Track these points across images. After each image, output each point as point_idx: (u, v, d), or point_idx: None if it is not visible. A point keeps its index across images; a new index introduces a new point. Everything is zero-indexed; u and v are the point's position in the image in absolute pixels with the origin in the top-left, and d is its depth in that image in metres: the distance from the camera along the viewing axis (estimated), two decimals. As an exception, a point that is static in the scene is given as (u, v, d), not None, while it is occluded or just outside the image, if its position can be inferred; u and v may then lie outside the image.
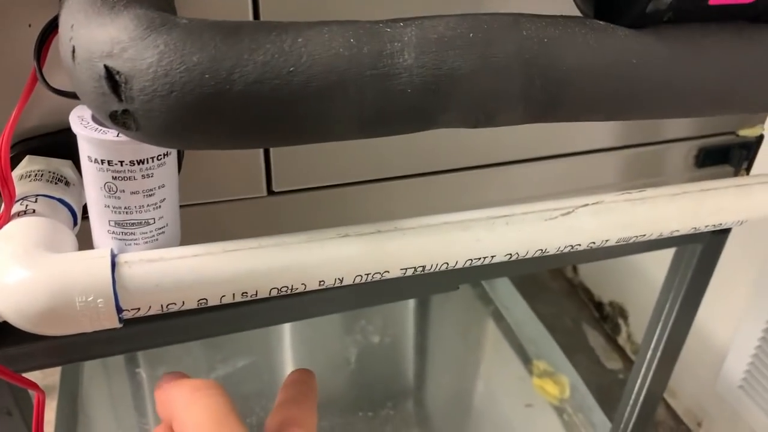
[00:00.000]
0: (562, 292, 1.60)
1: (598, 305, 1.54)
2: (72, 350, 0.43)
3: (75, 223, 0.33)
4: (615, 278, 1.47)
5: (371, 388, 1.20)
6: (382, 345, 1.25)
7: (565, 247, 0.35)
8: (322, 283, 0.31)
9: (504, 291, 1.27)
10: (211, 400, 0.27)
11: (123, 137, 0.27)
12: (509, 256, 0.34)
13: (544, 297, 1.56)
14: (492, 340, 1.24)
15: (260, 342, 1.20)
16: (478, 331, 1.26)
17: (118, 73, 0.23)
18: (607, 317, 1.51)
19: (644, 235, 0.36)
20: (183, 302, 0.29)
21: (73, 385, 1.03)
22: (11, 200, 0.30)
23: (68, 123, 0.34)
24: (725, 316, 1.13)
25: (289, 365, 1.21)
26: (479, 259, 0.33)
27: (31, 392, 0.38)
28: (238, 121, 0.24)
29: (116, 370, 1.10)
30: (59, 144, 0.34)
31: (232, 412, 0.27)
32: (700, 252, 0.61)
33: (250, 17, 0.34)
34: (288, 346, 1.23)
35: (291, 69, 0.24)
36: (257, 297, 0.30)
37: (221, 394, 0.27)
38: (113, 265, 0.27)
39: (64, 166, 0.33)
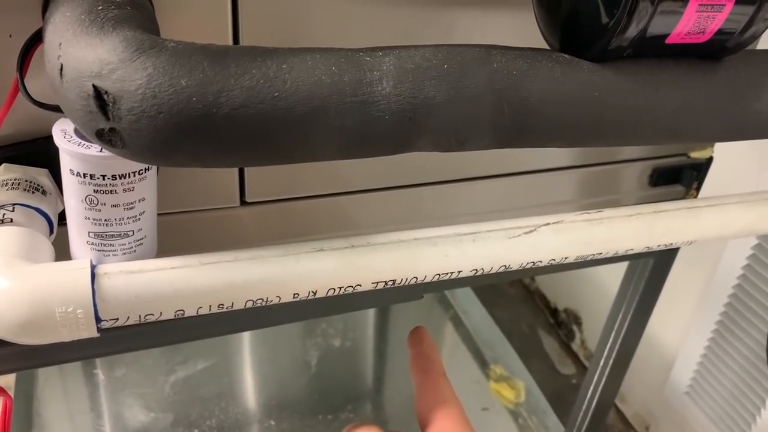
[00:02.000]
0: (519, 299, 1.64)
1: (554, 311, 1.58)
2: (41, 355, 0.43)
3: (51, 232, 0.33)
4: (570, 286, 1.51)
5: (331, 392, 1.20)
6: (343, 348, 1.26)
7: (527, 264, 0.36)
8: (296, 295, 0.32)
9: (463, 296, 1.29)
10: None
11: (106, 152, 0.28)
12: (475, 271, 0.35)
13: (502, 303, 1.60)
14: (450, 345, 1.26)
15: (220, 344, 1.20)
16: (438, 335, 1.28)
17: (106, 93, 0.24)
18: (562, 323, 1.55)
19: (601, 254, 0.38)
20: (161, 313, 0.29)
21: (29, 386, 1.01)
22: (-11, 209, 0.30)
23: (44, 131, 0.34)
24: (673, 325, 1.17)
25: (248, 368, 1.21)
26: (447, 273, 0.35)
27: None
28: (223, 142, 0.25)
29: (73, 371, 1.09)
30: (36, 153, 0.34)
31: None
32: (652, 266, 0.64)
33: (230, 40, 0.35)
34: (248, 348, 1.23)
35: (275, 94, 0.25)
36: (233, 309, 0.31)
37: None
38: (93, 276, 0.28)
39: (40, 175, 0.34)
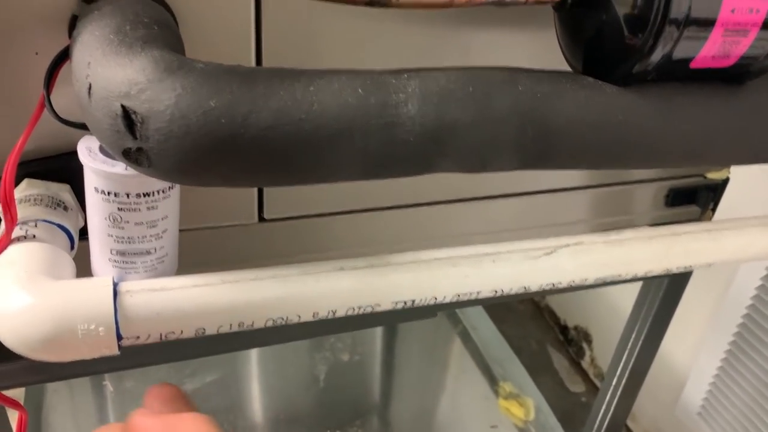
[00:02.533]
0: (528, 315, 1.63)
1: (563, 329, 1.57)
2: (55, 369, 0.43)
3: (72, 248, 0.33)
4: (580, 303, 1.50)
5: (339, 406, 1.20)
6: (351, 363, 1.25)
7: (547, 285, 0.36)
8: (315, 314, 0.32)
9: (472, 312, 1.28)
10: None
11: (131, 170, 0.28)
12: (494, 292, 0.35)
13: (512, 319, 1.59)
14: (459, 361, 1.25)
15: (228, 357, 1.19)
16: (446, 350, 1.28)
17: (134, 113, 0.24)
18: (572, 341, 1.54)
19: (620, 275, 0.38)
20: (182, 331, 0.29)
21: (38, 397, 1.01)
22: (13, 224, 0.30)
23: (67, 147, 0.35)
24: (686, 344, 1.16)
25: (257, 381, 1.20)
26: (466, 294, 0.34)
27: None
28: (250, 163, 0.25)
29: (82, 382, 1.09)
30: (58, 168, 0.35)
31: None
32: (666, 286, 0.63)
33: (252, 58, 0.35)
34: (256, 362, 1.22)
35: (302, 116, 0.25)
36: (252, 327, 0.31)
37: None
38: (115, 293, 0.28)
39: (62, 191, 0.34)
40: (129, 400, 1.09)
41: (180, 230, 0.34)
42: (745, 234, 0.41)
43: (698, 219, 0.58)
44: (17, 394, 0.97)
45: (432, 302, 0.34)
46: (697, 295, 1.08)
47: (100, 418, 1.06)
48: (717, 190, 0.56)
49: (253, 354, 1.22)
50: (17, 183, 0.34)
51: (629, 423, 1.37)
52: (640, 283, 0.67)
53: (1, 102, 0.33)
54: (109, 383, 1.10)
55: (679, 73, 0.31)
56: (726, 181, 0.57)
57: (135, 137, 0.25)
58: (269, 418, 1.14)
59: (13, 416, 0.39)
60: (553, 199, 0.51)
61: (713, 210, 0.58)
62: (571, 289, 0.42)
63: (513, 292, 0.36)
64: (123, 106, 0.24)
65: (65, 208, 0.33)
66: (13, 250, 0.30)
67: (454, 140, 0.27)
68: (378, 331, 1.29)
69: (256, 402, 1.18)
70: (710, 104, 0.32)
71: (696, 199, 0.56)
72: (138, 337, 0.29)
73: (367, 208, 0.46)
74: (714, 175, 0.55)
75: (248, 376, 1.21)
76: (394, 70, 0.28)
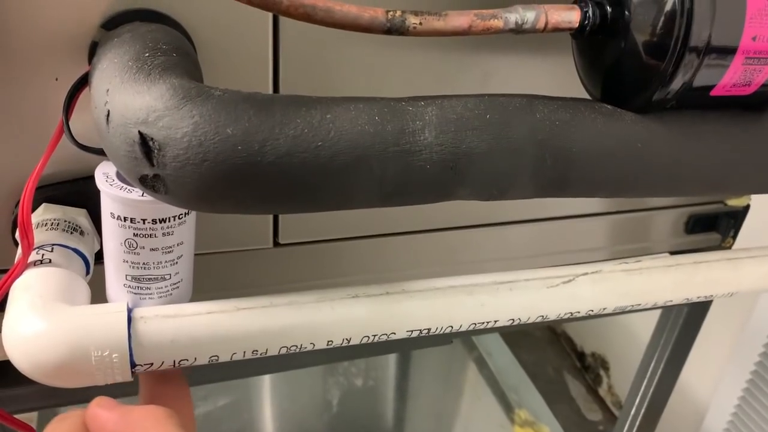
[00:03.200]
0: (545, 341, 1.61)
1: (580, 355, 1.55)
2: (67, 393, 0.42)
3: (87, 272, 0.33)
4: (597, 329, 1.48)
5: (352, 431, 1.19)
6: (365, 388, 1.24)
7: (565, 314, 0.36)
8: (330, 342, 0.31)
9: (488, 338, 1.27)
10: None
11: (147, 196, 0.28)
12: (512, 321, 0.34)
13: (528, 344, 1.57)
14: (474, 387, 1.24)
15: (241, 381, 1.19)
16: (461, 376, 1.26)
17: (152, 140, 0.24)
18: (589, 367, 1.51)
19: (639, 305, 0.37)
20: (195, 358, 0.29)
21: (50, 419, 1.01)
22: (29, 249, 0.30)
23: (83, 172, 0.35)
24: (706, 374, 1.14)
25: (269, 405, 1.19)
26: (482, 323, 0.34)
27: None
28: (267, 191, 0.25)
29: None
30: (75, 193, 0.35)
31: None
32: (686, 314, 0.62)
33: (270, 85, 0.35)
34: (269, 386, 1.22)
35: (319, 144, 0.25)
36: (267, 354, 0.31)
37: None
38: (129, 320, 0.28)
39: (79, 215, 0.34)
40: (141, 424, 1.08)
41: (195, 254, 0.34)
42: (767, 263, 0.40)
43: (719, 246, 0.57)
44: (29, 417, 0.97)
45: (448, 331, 0.34)
46: (718, 325, 1.06)
47: (113, 441, 1.06)
48: (738, 217, 0.55)
49: (266, 378, 1.21)
50: (35, 207, 0.34)
51: (648, 453, 1.34)
52: (659, 310, 0.66)
53: (22, 127, 0.33)
54: (122, 406, 1.09)
55: (698, 101, 0.30)
56: (747, 208, 0.56)
57: (152, 164, 0.25)
58: (282, 443, 1.13)
59: (26, 440, 0.39)
60: (571, 225, 0.51)
61: (734, 237, 0.57)
62: (590, 317, 0.41)
63: (531, 321, 0.35)
64: (141, 133, 0.24)
65: (81, 233, 0.33)
66: (29, 275, 0.30)
67: (471, 168, 0.27)
68: (392, 357, 1.28)
69: (269, 426, 1.17)
70: (730, 132, 0.31)
71: (716, 226, 0.55)
72: (152, 364, 0.29)
73: (382, 233, 0.45)
74: (734, 202, 0.54)
75: (261, 400, 1.20)
76: (411, 97, 0.28)
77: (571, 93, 0.31)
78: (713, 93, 0.30)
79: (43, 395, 0.42)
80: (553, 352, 1.59)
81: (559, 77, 0.39)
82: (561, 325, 1.62)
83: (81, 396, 0.45)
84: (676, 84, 0.28)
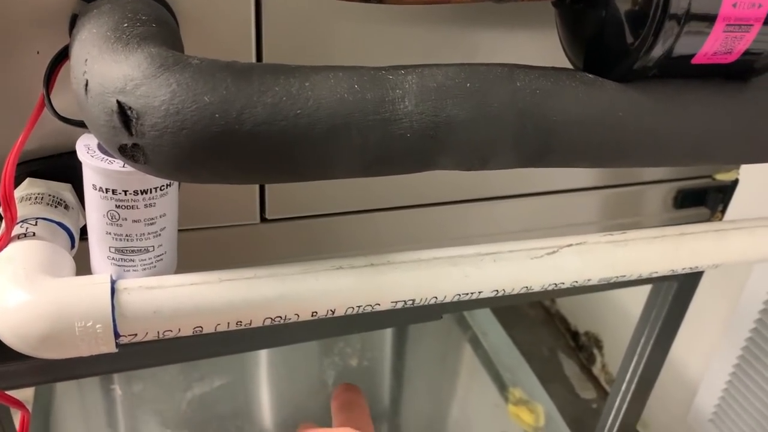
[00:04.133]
0: (539, 321, 1.62)
1: (574, 335, 1.56)
2: (58, 370, 0.43)
3: (72, 246, 0.33)
4: (591, 309, 1.49)
5: (347, 412, 1.19)
6: (360, 368, 1.25)
7: (549, 285, 0.36)
8: (314, 314, 0.32)
9: (482, 318, 1.28)
10: None
11: (128, 167, 0.28)
12: (496, 292, 0.35)
13: (522, 325, 1.58)
14: (469, 366, 1.25)
15: (237, 362, 1.19)
16: (456, 356, 1.27)
17: (130, 108, 0.24)
18: (583, 347, 1.52)
19: (625, 276, 0.38)
20: (179, 329, 0.29)
21: (47, 401, 1.01)
22: (13, 222, 0.30)
23: (68, 146, 0.35)
24: (698, 350, 1.15)
25: (265, 386, 1.20)
26: (467, 294, 0.34)
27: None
28: (245, 159, 0.25)
29: (90, 386, 1.09)
30: (59, 167, 0.35)
31: None
32: (676, 289, 0.63)
33: (253, 55, 0.35)
34: (265, 366, 1.22)
35: (298, 111, 0.25)
36: (251, 326, 0.31)
37: None
38: (113, 291, 0.28)
39: (63, 190, 0.34)
40: (137, 404, 1.09)
41: (181, 230, 0.34)
42: (753, 234, 0.40)
43: (707, 221, 0.57)
44: (26, 397, 0.98)
45: (432, 302, 0.34)
46: (709, 301, 1.07)
47: (109, 421, 1.07)
48: (726, 191, 0.56)
49: (262, 359, 1.22)
50: (20, 182, 0.34)
51: (642, 430, 1.35)
52: (649, 287, 0.66)
53: (3, 101, 0.33)
54: (117, 387, 1.10)
55: (680, 70, 0.30)
56: (735, 183, 0.56)
57: (131, 133, 0.25)
58: (277, 423, 1.14)
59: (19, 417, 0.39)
60: (559, 200, 0.51)
61: (723, 212, 0.57)
62: (575, 290, 0.41)
63: (515, 292, 0.35)
64: (119, 102, 0.24)
65: (66, 207, 0.33)
66: (12, 247, 0.30)
67: (451, 137, 0.27)
68: (387, 337, 1.29)
69: (265, 407, 1.18)
70: (713, 101, 0.31)
71: (705, 201, 0.56)
72: (135, 335, 0.29)
73: (370, 209, 0.45)
74: (723, 177, 0.55)
75: (257, 380, 1.21)
76: (391, 66, 0.28)
77: (557, 64, 0.31)
78: (694, 61, 0.30)
79: (35, 371, 0.42)
80: (548, 332, 1.60)
81: (546, 51, 0.39)
82: (555, 304, 1.63)
83: (73, 371, 0.46)
84: (657, 52, 0.28)
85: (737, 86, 0.32)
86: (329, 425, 0.34)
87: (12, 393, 0.36)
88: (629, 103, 0.30)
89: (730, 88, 0.32)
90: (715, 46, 0.29)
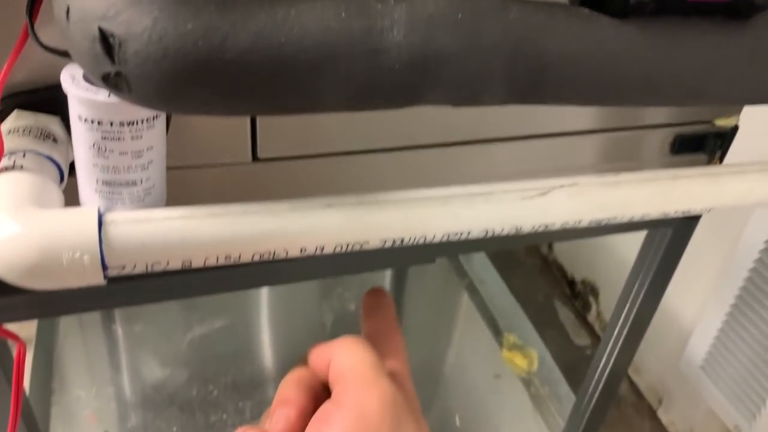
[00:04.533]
0: (536, 269, 1.63)
1: (571, 282, 1.57)
2: (53, 304, 0.43)
3: (62, 180, 0.33)
4: (588, 257, 1.50)
5: (345, 354, 1.22)
6: (358, 313, 1.26)
7: (540, 226, 0.36)
8: (303, 250, 0.32)
9: (479, 265, 1.29)
10: (368, 351, 0.31)
11: (114, 98, 0.28)
12: (485, 232, 0.35)
13: (519, 272, 1.59)
14: (465, 312, 1.26)
15: (237, 303, 1.21)
16: (452, 302, 1.29)
17: (112, 35, 0.24)
18: (579, 294, 1.54)
19: (616, 218, 0.37)
20: (168, 262, 0.29)
21: (49, 339, 1.03)
22: (0, 155, 0.30)
23: (57, 79, 0.34)
24: (691, 297, 1.16)
25: (265, 328, 1.22)
26: (456, 234, 0.34)
27: (11, 343, 0.38)
28: (229, 88, 0.24)
29: (92, 325, 1.11)
30: (47, 100, 0.34)
31: (382, 363, 0.31)
32: (671, 236, 0.63)
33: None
34: (264, 308, 1.24)
35: (282, 40, 0.24)
36: (240, 261, 0.31)
37: (373, 350, 0.32)
38: (100, 223, 0.28)
39: (52, 123, 0.34)
40: (138, 343, 1.11)
41: (172, 167, 0.34)
42: (748, 179, 0.40)
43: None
44: (29, 336, 1.00)
45: (421, 241, 0.34)
46: (704, 249, 1.07)
47: (111, 359, 1.09)
48: (725, 138, 0.55)
49: (262, 301, 1.24)
50: (7, 114, 0.34)
51: (634, 377, 1.38)
52: (645, 234, 0.67)
53: (-12, 31, 0.32)
54: (119, 326, 1.12)
55: (679, 6, 0.29)
56: (735, 129, 0.55)
57: (113, 61, 0.24)
58: (276, 364, 1.16)
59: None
60: (555, 143, 0.51)
61: (721, 159, 0.57)
62: (568, 233, 0.41)
63: (504, 232, 0.35)
64: (100, 29, 0.24)
65: (54, 140, 0.33)
66: (0, 180, 0.30)
67: (440, 70, 0.27)
68: (386, 282, 1.30)
69: (264, 348, 1.20)
70: (712, 39, 0.30)
71: (703, 147, 0.55)
72: (124, 267, 0.29)
73: (363, 149, 0.45)
74: (722, 122, 0.54)
75: (256, 322, 1.23)
76: (380, -4, 0.27)
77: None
78: (693, -3, 0.29)
79: (30, 305, 0.43)
80: (544, 279, 1.61)
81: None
82: (552, 253, 1.64)
83: (70, 306, 0.46)
84: (655, -15, 0.27)
85: (737, 24, 0.31)
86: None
87: (12, 329, 0.36)
88: (625, 39, 0.29)
89: (730, 26, 0.31)
90: (715, -21, 0.28)
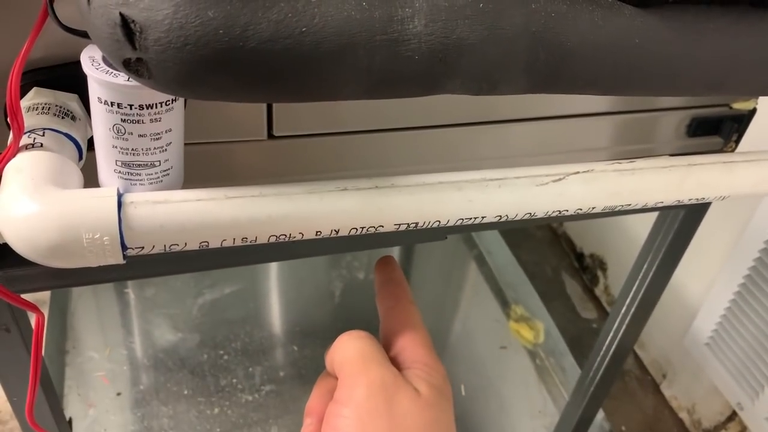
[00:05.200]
0: (545, 241, 1.64)
1: (579, 256, 1.57)
2: (71, 275, 0.44)
3: (80, 158, 0.33)
4: (597, 231, 1.50)
5: (353, 322, 1.23)
6: (367, 281, 1.28)
7: (553, 212, 0.36)
8: (318, 233, 0.32)
9: (488, 236, 1.29)
10: (360, 342, 0.33)
11: (133, 81, 0.28)
12: (499, 217, 0.35)
13: (528, 245, 1.59)
14: (473, 283, 1.27)
15: (247, 270, 1.22)
16: (461, 273, 1.29)
17: (133, 21, 0.24)
18: (587, 268, 1.54)
19: (629, 205, 0.38)
20: (185, 243, 0.30)
21: (63, 302, 1.05)
22: (20, 132, 0.30)
23: (75, 56, 0.34)
24: (700, 275, 1.16)
25: (274, 294, 1.24)
26: (470, 219, 0.34)
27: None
28: (249, 77, 0.24)
29: (105, 289, 1.13)
30: (66, 77, 0.34)
31: (378, 350, 0.33)
32: (683, 216, 0.63)
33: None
34: (274, 275, 1.25)
35: (303, 29, 0.24)
36: (256, 242, 0.31)
37: (369, 337, 0.34)
38: (120, 204, 0.28)
39: (70, 100, 0.34)
40: (150, 308, 1.13)
41: (187, 144, 0.34)
42: (763, 167, 0.40)
43: (721, 150, 0.56)
44: (42, 298, 1.01)
45: (435, 226, 0.34)
46: (715, 228, 1.07)
47: (123, 323, 1.11)
48: (742, 121, 0.54)
49: (272, 268, 1.25)
50: (26, 92, 0.34)
51: (638, 351, 1.39)
52: (657, 213, 0.67)
53: (8, 9, 0.32)
54: (131, 291, 1.14)
55: (703, -5, 0.29)
56: (753, 112, 0.55)
57: (134, 47, 0.24)
58: (285, 330, 1.18)
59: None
60: (570, 124, 0.50)
61: (737, 142, 0.56)
62: (579, 217, 0.41)
63: (518, 218, 0.35)
64: (122, 15, 0.24)
65: (73, 118, 0.33)
66: (20, 157, 0.30)
67: (461, 60, 0.26)
68: (395, 252, 1.31)
69: (274, 314, 1.22)
70: (734, 30, 0.30)
71: (719, 130, 0.55)
72: (142, 248, 0.29)
73: (380, 128, 0.45)
74: (740, 106, 0.53)
75: (266, 289, 1.24)
76: (401, -17, 0.27)
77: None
78: (719, -14, 0.28)
79: (48, 276, 0.44)
80: (552, 252, 1.61)
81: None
82: (562, 226, 1.64)
83: (85, 277, 0.47)
84: (680, -25, 0.27)
85: (761, 15, 0.31)
86: (334, 334, 0.35)
87: (27, 296, 0.37)
88: (646, 28, 0.29)
89: (753, 17, 0.31)
90: (741, -29, 0.27)
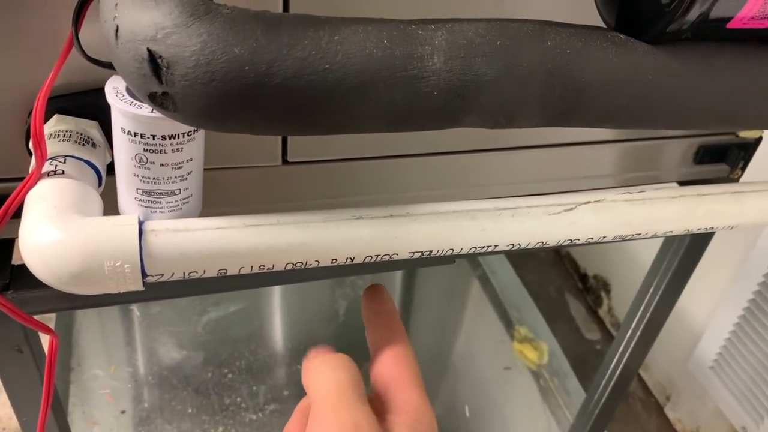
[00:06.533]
0: (549, 262, 1.64)
1: (583, 277, 1.57)
2: (84, 298, 0.44)
3: (100, 184, 0.34)
4: (601, 252, 1.50)
5: (357, 341, 1.23)
6: (371, 300, 1.27)
7: (565, 241, 0.36)
8: (334, 261, 0.32)
9: (492, 257, 1.29)
10: (335, 374, 0.30)
11: (156, 113, 0.28)
12: (511, 246, 0.35)
13: (532, 265, 1.60)
14: (477, 303, 1.27)
15: (252, 290, 1.23)
16: (465, 293, 1.29)
17: (160, 57, 0.24)
18: (591, 289, 1.54)
19: (640, 234, 0.38)
20: (204, 271, 0.30)
21: (68, 319, 1.05)
22: (43, 159, 0.31)
23: (96, 84, 0.35)
24: (704, 299, 1.16)
25: (279, 312, 1.24)
26: (483, 247, 0.35)
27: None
28: (273, 112, 0.25)
29: (110, 308, 1.13)
30: (87, 104, 0.35)
31: (354, 387, 0.30)
32: (689, 242, 0.63)
33: (280, 5, 0.35)
34: (279, 294, 1.26)
35: (326, 66, 0.25)
36: (273, 270, 0.32)
37: (347, 369, 0.31)
38: (140, 232, 0.29)
39: (91, 128, 0.35)
40: (155, 325, 1.13)
41: (204, 169, 0.35)
42: (772, 198, 0.40)
43: (727, 178, 0.57)
44: (48, 316, 1.02)
45: (449, 254, 0.35)
46: (719, 254, 1.07)
47: (128, 340, 1.11)
48: (748, 149, 0.55)
49: (277, 287, 1.25)
50: (47, 118, 0.35)
51: (642, 373, 1.39)
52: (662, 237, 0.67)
53: (34, 38, 0.33)
54: (136, 309, 1.14)
55: (714, 34, 0.30)
56: (759, 141, 0.55)
57: (161, 82, 0.25)
58: (290, 349, 1.18)
59: (45, 339, 0.41)
60: (579, 152, 0.51)
61: (743, 169, 0.57)
62: (589, 244, 0.42)
63: (530, 246, 0.36)
64: (149, 50, 0.24)
65: (93, 145, 0.34)
66: (43, 185, 0.31)
67: (478, 96, 0.27)
68: (398, 272, 1.31)
69: (278, 332, 1.22)
70: (745, 67, 0.31)
71: (726, 158, 0.55)
72: (162, 275, 0.30)
73: (393, 155, 0.46)
74: (746, 134, 0.54)
75: (271, 307, 1.24)
76: (420, 20, 0.27)
77: (588, 20, 0.31)
78: (730, 26, 0.29)
79: (60, 298, 0.44)
80: (556, 273, 1.61)
81: (576, 3, 0.38)
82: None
83: (98, 300, 0.47)
84: (693, 15, 0.28)
85: (771, 51, 0.31)
86: (338, 352, 0.34)
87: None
88: (659, 65, 0.29)
89: (763, 54, 0.31)
90: (753, 10, 0.28)
